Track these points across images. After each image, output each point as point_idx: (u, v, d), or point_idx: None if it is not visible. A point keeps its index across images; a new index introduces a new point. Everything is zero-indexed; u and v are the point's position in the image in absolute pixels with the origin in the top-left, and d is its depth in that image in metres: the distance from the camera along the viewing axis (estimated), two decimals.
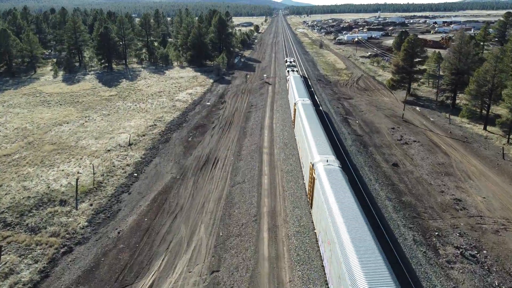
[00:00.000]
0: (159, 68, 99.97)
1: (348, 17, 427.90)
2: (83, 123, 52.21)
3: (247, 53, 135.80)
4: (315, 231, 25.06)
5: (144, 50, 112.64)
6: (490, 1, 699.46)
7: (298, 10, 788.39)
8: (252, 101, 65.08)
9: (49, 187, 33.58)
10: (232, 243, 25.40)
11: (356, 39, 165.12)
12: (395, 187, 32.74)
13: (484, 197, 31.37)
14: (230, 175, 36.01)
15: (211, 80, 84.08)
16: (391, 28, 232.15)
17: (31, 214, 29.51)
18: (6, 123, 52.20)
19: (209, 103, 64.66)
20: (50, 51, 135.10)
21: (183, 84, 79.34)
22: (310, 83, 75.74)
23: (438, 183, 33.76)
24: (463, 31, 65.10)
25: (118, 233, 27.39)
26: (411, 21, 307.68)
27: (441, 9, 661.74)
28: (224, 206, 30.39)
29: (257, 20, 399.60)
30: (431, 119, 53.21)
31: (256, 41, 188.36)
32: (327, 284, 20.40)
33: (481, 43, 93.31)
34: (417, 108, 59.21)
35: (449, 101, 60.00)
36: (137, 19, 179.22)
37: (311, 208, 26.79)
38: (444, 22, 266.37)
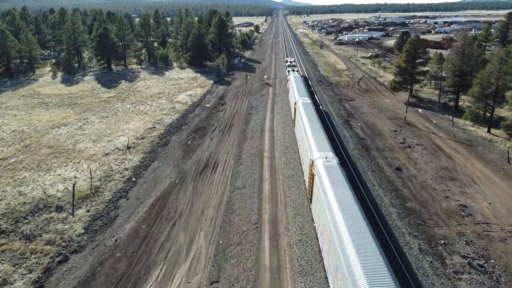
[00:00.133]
0: (158, 69, 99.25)
1: (348, 17, 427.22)
2: (81, 126, 51.49)
3: (247, 54, 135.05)
4: (314, 224, 25.85)
5: (143, 51, 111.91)
6: (491, 1, 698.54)
7: (298, 10, 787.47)
8: (253, 102, 64.36)
9: (45, 192, 32.87)
10: (233, 252, 24.68)
11: (357, 39, 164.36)
12: (399, 193, 32.02)
13: (490, 203, 30.65)
14: (230, 180, 35.30)
15: (211, 81, 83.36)
16: (392, 28, 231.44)
17: (27, 220, 28.80)
18: (3, 126, 51.49)
19: (209, 105, 63.95)
20: (49, 51, 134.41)
21: (183, 86, 78.62)
22: (311, 84, 75.04)
23: (443, 188, 33.05)
24: (466, 32, 64.38)
25: (115, 241, 26.68)
26: (412, 21, 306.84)
27: (441, 9, 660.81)
28: (224, 213, 29.68)
29: (257, 20, 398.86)
30: (434, 122, 52.49)
31: (256, 41, 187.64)
32: None
33: (484, 44, 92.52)
34: (420, 110, 58.49)
35: (452, 103, 59.27)
36: (136, 19, 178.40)
37: (311, 203, 27.47)
38: (444, 22, 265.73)
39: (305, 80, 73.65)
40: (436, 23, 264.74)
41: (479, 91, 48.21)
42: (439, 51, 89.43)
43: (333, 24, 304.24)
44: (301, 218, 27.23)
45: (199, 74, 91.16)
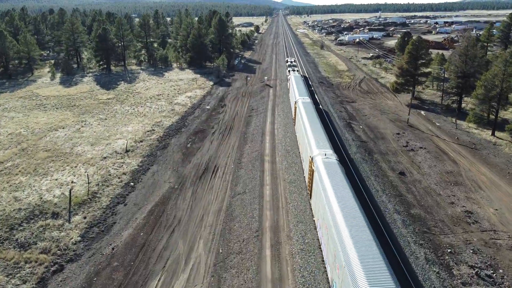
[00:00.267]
0: (158, 69, 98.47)
1: (349, 17, 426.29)
2: (79, 128, 50.75)
3: (247, 54, 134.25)
4: (314, 219, 26.59)
5: (143, 52, 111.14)
6: (491, 1, 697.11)
7: (299, 10, 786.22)
8: (253, 104, 63.63)
9: (41, 198, 32.14)
10: (233, 261, 23.95)
11: (358, 39, 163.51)
12: (403, 198, 31.30)
13: (496, 209, 29.92)
14: (230, 185, 34.57)
15: (211, 83, 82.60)
16: (392, 28, 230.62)
17: (22, 228, 28.07)
18: (0, 128, 50.75)
19: (208, 107, 63.21)
20: (48, 52, 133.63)
21: (183, 87, 77.87)
22: (311, 84, 74.29)
23: (448, 194, 32.33)
24: (470, 33, 63.62)
25: (113, 249, 25.95)
26: (412, 21, 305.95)
27: (441, 9, 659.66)
28: (224, 219, 28.95)
29: (257, 20, 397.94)
30: (437, 124, 51.74)
31: (256, 41, 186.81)
32: None
33: (486, 45, 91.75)
34: (422, 112, 57.73)
35: (454, 105, 58.51)
36: (136, 20, 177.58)
37: (311, 198, 28.18)
38: (445, 22, 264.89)
39: (305, 80, 73.22)
40: (436, 23, 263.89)
41: (483, 93, 47.46)
42: (440, 51, 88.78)
43: (333, 24, 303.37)
44: (304, 226, 26.49)
45: (199, 75, 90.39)
